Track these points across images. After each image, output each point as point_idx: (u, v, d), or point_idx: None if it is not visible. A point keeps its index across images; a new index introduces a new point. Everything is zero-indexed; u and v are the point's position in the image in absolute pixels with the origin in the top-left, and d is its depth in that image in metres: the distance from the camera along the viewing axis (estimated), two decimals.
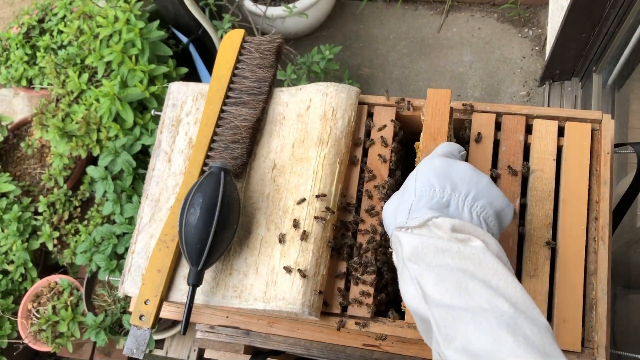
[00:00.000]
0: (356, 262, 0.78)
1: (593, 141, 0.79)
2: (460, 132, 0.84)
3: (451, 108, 0.76)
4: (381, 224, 0.79)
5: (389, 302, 0.82)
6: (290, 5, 1.66)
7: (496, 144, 0.82)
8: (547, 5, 1.79)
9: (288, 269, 0.75)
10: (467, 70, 1.80)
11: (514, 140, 0.81)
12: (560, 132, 0.81)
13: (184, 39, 1.55)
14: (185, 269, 0.81)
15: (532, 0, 1.81)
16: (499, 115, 0.83)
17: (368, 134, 0.86)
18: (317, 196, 0.78)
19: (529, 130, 0.82)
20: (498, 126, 0.83)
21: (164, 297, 0.80)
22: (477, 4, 1.87)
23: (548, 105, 1.64)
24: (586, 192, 0.76)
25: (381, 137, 0.84)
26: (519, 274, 0.75)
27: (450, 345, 0.48)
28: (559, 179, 0.79)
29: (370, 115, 0.87)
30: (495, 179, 0.79)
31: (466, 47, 1.83)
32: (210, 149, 0.85)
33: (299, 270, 0.75)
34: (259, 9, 1.68)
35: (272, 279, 0.77)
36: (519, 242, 0.76)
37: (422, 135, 0.75)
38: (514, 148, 0.80)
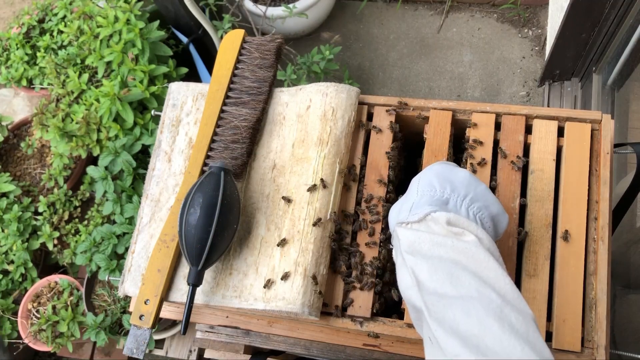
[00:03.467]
0: (356, 262, 0.78)
1: (593, 141, 0.79)
2: (461, 156, 0.84)
3: (451, 128, 0.81)
4: (382, 225, 0.80)
5: (389, 304, 0.82)
6: (290, 6, 1.66)
7: (496, 144, 0.82)
8: (547, 5, 1.79)
9: (286, 276, 0.75)
10: (467, 70, 1.80)
11: (514, 140, 0.81)
12: (560, 132, 0.81)
13: (184, 39, 1.55)
14: (185, 269, 0.81)
15: (532, 0, 1.81)
16: (498, 115, 0.83)
17: (368, 133, 0.86)
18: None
19: (528, 130, 0.82)
20: (498, 126, 0.83)
21: (164, 297, 0.80)
22: (477, 4, 1.87)
23: (548, 106, 1.63)
24: (586, 192, 0.76)
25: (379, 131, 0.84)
26: (518, 274, 0.75)
27: (441, 327, 0.51)
28: (559, 179, 0.79)
29: (370, 115, 0.88)
30: (495, 187, 0.80)
31: (466, 47, 1.83)
32: (210, 149, 0.85)
33: (313, 277, 0.74)
34: (259, 9, 1.68)
35: (272, 279, 0.77)
36: (519, 242, 0.76)
37: (424, 151, 0.81)
38: (514, 148, 0.80)
